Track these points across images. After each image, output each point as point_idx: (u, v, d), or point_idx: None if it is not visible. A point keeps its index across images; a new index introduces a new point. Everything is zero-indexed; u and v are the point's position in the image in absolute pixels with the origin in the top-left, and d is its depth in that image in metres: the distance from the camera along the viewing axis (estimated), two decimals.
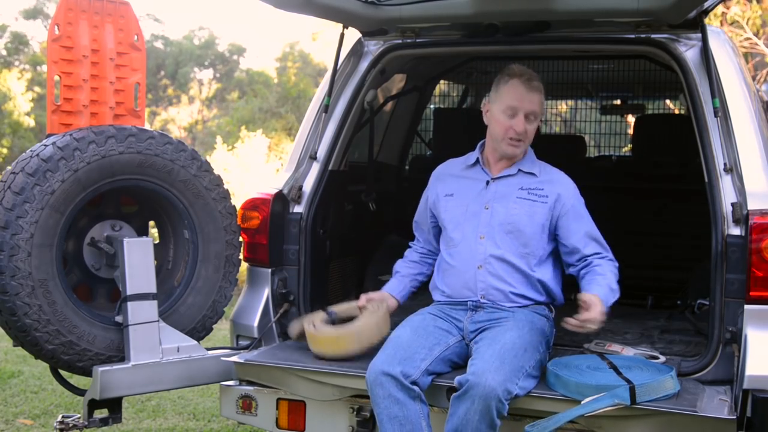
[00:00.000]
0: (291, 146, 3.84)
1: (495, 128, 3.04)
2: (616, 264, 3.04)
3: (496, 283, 2.98)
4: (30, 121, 18.93)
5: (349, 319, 3.16)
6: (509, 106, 2.98)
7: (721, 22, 10.81)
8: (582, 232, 3.03)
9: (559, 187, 3.06)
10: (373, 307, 3.15)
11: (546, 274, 3.04)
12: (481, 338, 2.87)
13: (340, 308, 3.25)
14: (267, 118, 19.11)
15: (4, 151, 17.90)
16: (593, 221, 3.08)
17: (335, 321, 3.16)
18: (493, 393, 2.54)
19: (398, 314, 3.51)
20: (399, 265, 3.34)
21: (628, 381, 2.61)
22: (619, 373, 2.70)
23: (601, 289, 2.84)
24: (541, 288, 3.02)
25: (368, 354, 2.94)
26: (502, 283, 2.97)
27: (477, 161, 3.15)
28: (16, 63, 24.27)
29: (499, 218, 3.01)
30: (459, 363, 2.90)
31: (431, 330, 2.91)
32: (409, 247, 3.41)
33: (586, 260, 3.02)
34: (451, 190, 3.15)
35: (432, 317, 2.99)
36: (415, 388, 2.70)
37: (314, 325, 3.10)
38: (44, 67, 20.78)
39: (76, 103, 3.17)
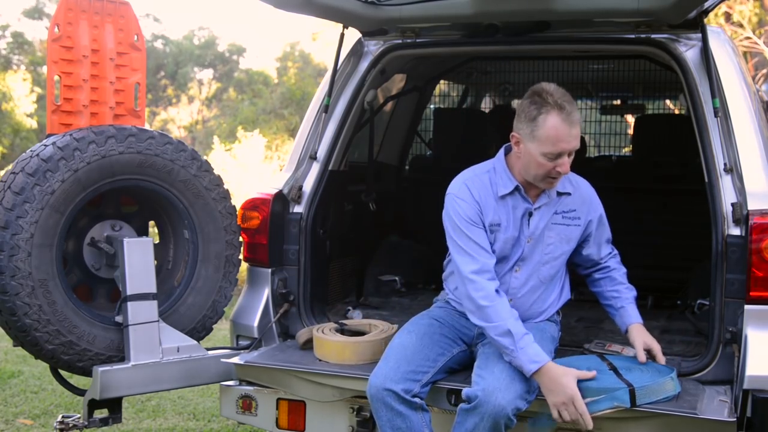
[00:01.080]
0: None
1: (533, 169, 2.74)
2: (618, 257, 3.08)
3: (516, 313, 2.85)
4: (32, 123, 18.93)
5: (359, 333, 3.17)
6: (553, 152, 2.67)
7: (725, 20, 10.81)
8: (604, 239, 3.04)
9: (590, 207, 2.96)
10: (384, 326, 3.17)
11: (560, 285, 3.01)
12: (488, 343, 2.79)
13: (352, 322, 3.29)
14: (270, 119, 19.13)
15: (4, 150, 17.90)
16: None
17: (345, 332, 3.17)
18: (503, 412, 2.51)
19: (399, 315, 3.51)
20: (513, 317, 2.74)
21: (628, 383, 2.60)
22: (619, 375, 2.69)
23: (635, 310, 2.94)
24: (557, 302, 3.00)
25: None
26: (522, 314, 2.85)
27: (517, 189, 2.84)
28: (18, 63, 24.26)
29: (538, 250, 2.88)
30: (459, 369, 2.88)
31: (437, 339, 2.85)
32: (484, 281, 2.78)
33: (599, 264, 3.04)
34: (497, 220, 2.84)
35: (438, 325, 2.92)
36: (417, 400, 2.68)
37: (323, 332, 3.13)
38: (44, 68, 20.79)
39: (76, 103, 3.17)
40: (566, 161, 2.70)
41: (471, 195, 2.83)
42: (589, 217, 2.96)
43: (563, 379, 2.55)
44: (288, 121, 18.91)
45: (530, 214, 2.86)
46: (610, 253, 3.06)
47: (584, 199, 2.96)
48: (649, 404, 2.57)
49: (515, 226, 2.86)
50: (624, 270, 3.05)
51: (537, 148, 2.69)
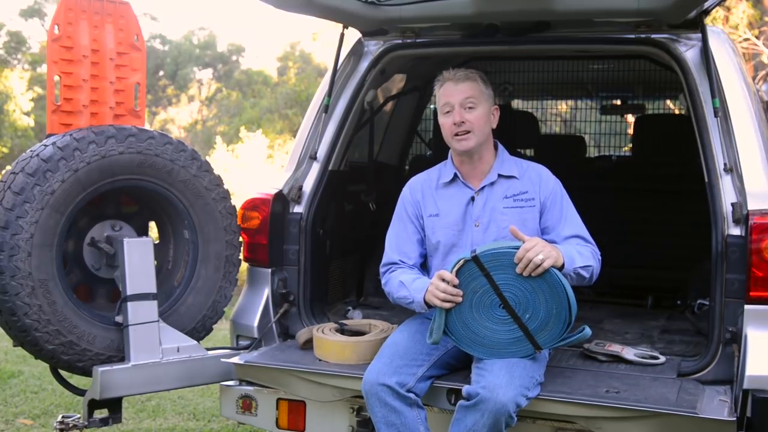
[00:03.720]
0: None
1: (443, 133, 2.98)
2: (598, 254, 2.90)
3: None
4: (30, 121, 18.94)
5: (359, 333, 3.18)
6: (443, 105, 2.95)
7: (723, 24, 10.83)
8: (567, 226, 2.91)
9: (543, 186, 2.94)
10: (384, 326, 3.18)
11: None
12: None
13: (352, 322, 3.30)
14: (274, 119, 19.16)
15: (5, 150, 17.92)
16: (584, 224, 2.94)
17: (345, 332, 3.17)
18: (504, 409, 2.51)
19: (399, 315, 3.51)
20: (410, 273, 2.99)
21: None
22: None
23: (565, 246, 2.77)
24: None
25: None
26: None
27: (456, 176, 3.01)
28: (16, 63, 24.27)
29: (492, 234, 2.91)
30: (456, 365, 2.88)
31: None
32: (389, 269, 3.06)
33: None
34: (435, 210, 3.01)
35: (430, 322, 2.92)
36: (411, 395, 2.68)
37: (323, 332, 3.13)
38: (44, 67, 20.80)
39: (76, 103, 3.17)
40: (458, 111, 2.91)
41: (413, 191, 3.08)
42: (544, 193, 2.93)
43: (432, 280, 2.75)
44: (291, 121, 18.92)
45: (473, 199, 2.96)
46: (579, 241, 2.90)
47: (534, 180, 2.97)
48: (490, 256, 2.60)
49: (458, 212, 2.96)
50: (590, 252, 2.85)
51: (439, 112, 2.98)
